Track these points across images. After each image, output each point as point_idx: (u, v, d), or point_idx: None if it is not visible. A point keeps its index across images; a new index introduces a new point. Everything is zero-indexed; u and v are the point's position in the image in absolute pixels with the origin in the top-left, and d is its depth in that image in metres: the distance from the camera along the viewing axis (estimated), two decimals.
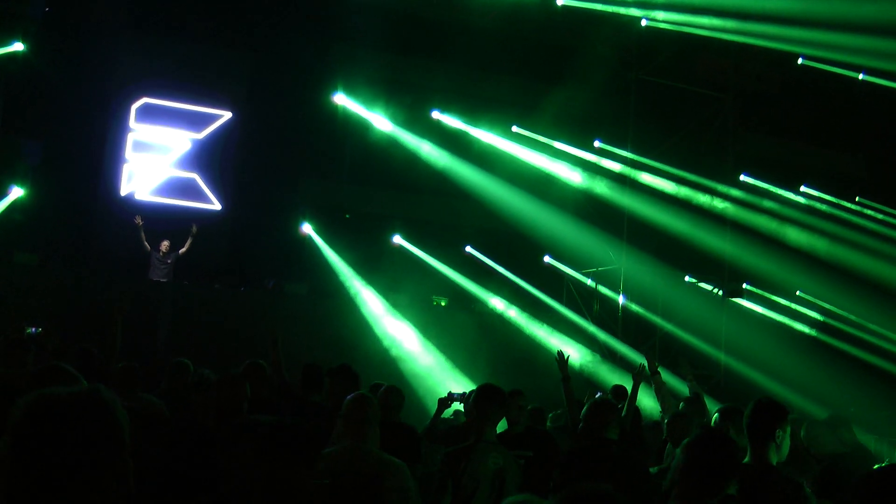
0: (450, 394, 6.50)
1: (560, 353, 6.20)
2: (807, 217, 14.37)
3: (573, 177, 13.60)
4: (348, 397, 4.30)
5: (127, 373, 5.42)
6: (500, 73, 12.88)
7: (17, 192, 12.30)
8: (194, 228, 12.23)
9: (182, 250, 12.17)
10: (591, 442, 4.41)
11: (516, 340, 12.31)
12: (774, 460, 3.50)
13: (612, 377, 11.53)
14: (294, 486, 2.30)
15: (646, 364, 6.73)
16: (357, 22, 12.12)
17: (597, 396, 8.20)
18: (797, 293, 14.64)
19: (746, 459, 3.54)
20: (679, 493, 2.97)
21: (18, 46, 12.31)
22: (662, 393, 6.82)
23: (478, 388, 4.65)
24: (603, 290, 13.73)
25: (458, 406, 6.71)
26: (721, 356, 13.12)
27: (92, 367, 5.89)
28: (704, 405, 7.03)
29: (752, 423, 3.55)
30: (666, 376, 11.74)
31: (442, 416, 6.59)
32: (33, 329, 10.21)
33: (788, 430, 3.57)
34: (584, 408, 4.76)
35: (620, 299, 13.41)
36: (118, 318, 5.83)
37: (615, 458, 4.25)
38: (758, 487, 3.28)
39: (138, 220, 12.16)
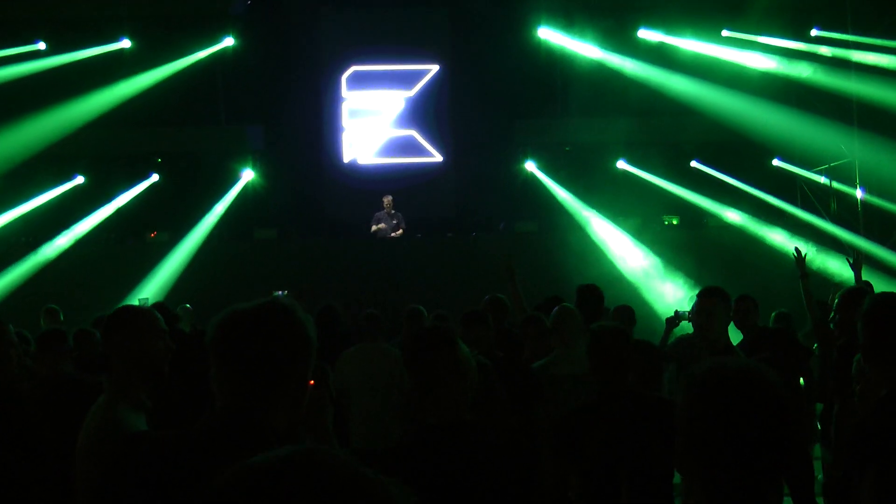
0: (676, 312, 6.33)
1: (797, 250, 5.95)
2: None
3: (792, 71, 12.81)
4: (555, 309, 4.74)
5: (371, 321, 5.76)
6: None
7: (248, 175, 13.35)
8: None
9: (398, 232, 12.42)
10: (848, 337, 4.08)
11: (752, 251, 11.90)
12: None
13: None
14: None
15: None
16: None
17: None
18: None
19: None
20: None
21: (229, 41, 13.28)
22: None
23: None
24: (838, 186, 12.96)
25: (686, 325, 6.59)
26: None
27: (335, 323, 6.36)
28: None
29: None
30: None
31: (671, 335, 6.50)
32: (280, 292, 11.09)
33: None
34: (835, 299, 4.51)
35: (858, 193, 12.62)
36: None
37: None
38: None
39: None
